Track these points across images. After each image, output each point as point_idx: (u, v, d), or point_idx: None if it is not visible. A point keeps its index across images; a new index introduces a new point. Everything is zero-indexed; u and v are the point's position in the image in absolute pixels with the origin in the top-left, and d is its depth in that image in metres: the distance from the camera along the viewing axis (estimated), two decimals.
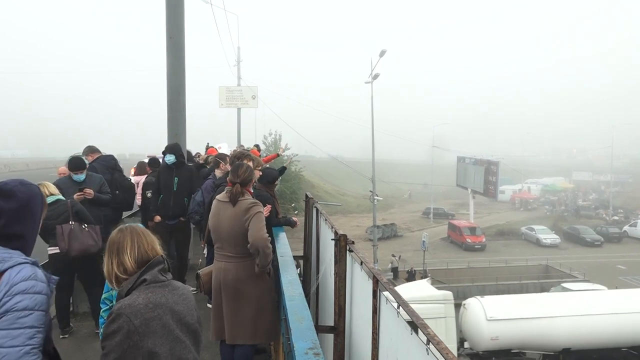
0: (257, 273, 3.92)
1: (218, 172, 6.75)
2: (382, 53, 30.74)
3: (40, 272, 2.08)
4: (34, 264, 2.08)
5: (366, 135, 35.26)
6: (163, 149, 7.09)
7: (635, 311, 18.30)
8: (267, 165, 8.27)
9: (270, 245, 3.98)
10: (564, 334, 18.00)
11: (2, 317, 1.94)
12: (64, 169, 6.79)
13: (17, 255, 2.05)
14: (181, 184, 6.85)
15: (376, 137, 32.47)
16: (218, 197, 4.15)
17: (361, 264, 3.38)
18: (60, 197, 5.41)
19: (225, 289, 3.93)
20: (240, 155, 5.08)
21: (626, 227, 50.98)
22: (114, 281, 2.17)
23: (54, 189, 5.42)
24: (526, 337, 18.36)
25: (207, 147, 14.76)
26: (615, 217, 57.95)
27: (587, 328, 18.01)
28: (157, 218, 6.89)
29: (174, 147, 7.08)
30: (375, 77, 31.79)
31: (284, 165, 8.63)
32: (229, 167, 5.17)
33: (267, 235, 3.96)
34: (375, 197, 32.91)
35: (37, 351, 2.00)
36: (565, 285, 27.08)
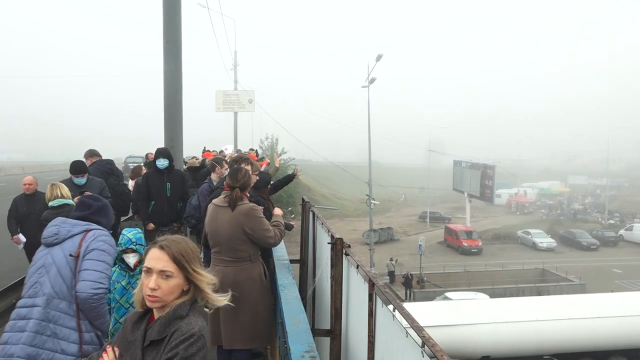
0: (256, 278, 3.93)
1: (214, 176, 6.70)
2: (379, 57, 30.86)
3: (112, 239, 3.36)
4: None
5: (363, 139, 35.33)
6: (155, 153, 6.95)
7: (558, 318, 17.57)
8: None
9: (275, 235, 4.04)
10: (483, 342, 17.23)
11: (91, 252, 3.15)
12: (30, 178, 6.75)
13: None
14: (174, 189, 6.71)
15: (373, 141, 32.53)
16: (215, 201, 4.15)
17: (357, 268, 3.39)
18: (69, 201, 5.31)
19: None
20: (238, 160, 5.07)
21: (622, 231, 51.11)
22: (198, 291, 1.99)
23: (66, 191, 5.33)
24: (443, 344, 17.48)
25: (204, 151, 14.76)
26: (611, 221, 58.10)
27: (507, 335, 17.26)
28: (151, 225, 6.73)
29: (167, 151, 6.97)
30: (372, 81, 31.87)
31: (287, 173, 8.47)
32: (224, 172, 5.17)
33: (270, 230, 4.01)
34: (372, 201, 32.94)
35: (108, 279, 3.21)
36: (447, 294, 26.78)
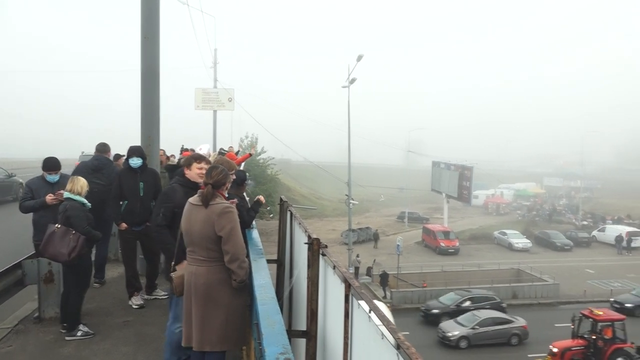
0: (229, 278, 3.88)
1: (188, 173, 6.30)
2: (359, 58, 31.03)
3: None
4: None
5: (343, 139, 35.51)
6: (128, 151, 6.75)
7: None
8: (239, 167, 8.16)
9: (246, 260, 3.94)
10: None
11: None
12: None
13: None
14: (147, 188, 6.55)
15: (353, 141, 32.67)
16: (190, 200, 4.08)
17: (334, 268, 3.38)
18: (73, 196, 5.52)
19: (195, 294, 3.86)
20: (193, 158, 5.02)
21: (595, 232, 52.18)
22: None
23: (80, 187, 5.56)
24: None
25: (182, 150, 14.59)
26: (585, 222, 59.23)
27: None
28: (123, 225, 6.54)
29: (141, 150, 6.77)
30: (352, 81, 32.02)
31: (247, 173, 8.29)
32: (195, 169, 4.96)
33: (243, 247, 3.92)
34: (351, 201, 33.05)
35: None
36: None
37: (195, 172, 4.83)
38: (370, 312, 2.50)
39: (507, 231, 50.24)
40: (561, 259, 43.16)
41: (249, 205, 5.93)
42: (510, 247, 46.82)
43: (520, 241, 47.55)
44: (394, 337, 2.13)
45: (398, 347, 2.07)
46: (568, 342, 22.28)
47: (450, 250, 44.09)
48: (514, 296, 32.63)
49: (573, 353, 21.73)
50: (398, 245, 37.14)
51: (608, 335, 21.79)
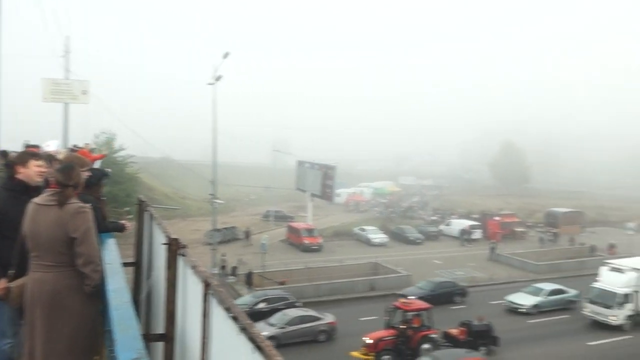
0: (80, 284, 3.65)
1: (24, 172, 4.79)
2: (226, 55, 30.84)
3: None
4: None
5: (210, 137, 34.85)
6: None
7: None
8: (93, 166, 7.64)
9: (100, 263, 3.75)
10: None
11: None
12: None
13: None
14: None
15: (219, 139, 32.25)
16: (36, 200, 3.73)
17: (193, 269, 3.35)
18: None
19: (40, 303, 3.55)
20: (35, 154, 4.61)
21: (442, 226, 57.37)
22: None
23: None
24: None
25: (26, 146, 13.26)
26: (434, 218, 64.79)
27: None
28: None
29: None
30: (218, 78, 31.63)
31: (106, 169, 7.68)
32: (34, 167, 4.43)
33: (96, 248, 3.74)
34: (216, 200, 32.63)
35: None
36: None
37: (33, 171, 4.33)
38: (228, 310, 2.54)
39: (366, 227, 53.03)
40: (413, 252, 46.78)
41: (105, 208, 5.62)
42: (368, 242, 49.44)
43: (377, 236, 50.46)
44: (250, 332, 2.20)
45: (254, 342, 2.14)
46: (381, 333, 23.64)
47: (313, 247, 45.39)
48: (372, 288, 34.57)
49: (385, 343, 23.08)
50: (263, 243, 37.47)
51: (416, 324, 23.79)
